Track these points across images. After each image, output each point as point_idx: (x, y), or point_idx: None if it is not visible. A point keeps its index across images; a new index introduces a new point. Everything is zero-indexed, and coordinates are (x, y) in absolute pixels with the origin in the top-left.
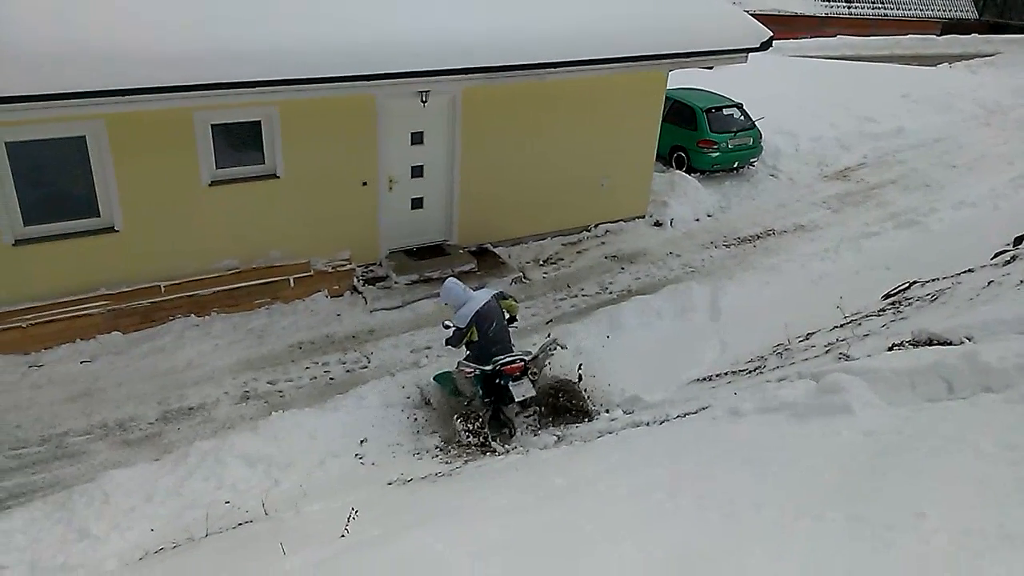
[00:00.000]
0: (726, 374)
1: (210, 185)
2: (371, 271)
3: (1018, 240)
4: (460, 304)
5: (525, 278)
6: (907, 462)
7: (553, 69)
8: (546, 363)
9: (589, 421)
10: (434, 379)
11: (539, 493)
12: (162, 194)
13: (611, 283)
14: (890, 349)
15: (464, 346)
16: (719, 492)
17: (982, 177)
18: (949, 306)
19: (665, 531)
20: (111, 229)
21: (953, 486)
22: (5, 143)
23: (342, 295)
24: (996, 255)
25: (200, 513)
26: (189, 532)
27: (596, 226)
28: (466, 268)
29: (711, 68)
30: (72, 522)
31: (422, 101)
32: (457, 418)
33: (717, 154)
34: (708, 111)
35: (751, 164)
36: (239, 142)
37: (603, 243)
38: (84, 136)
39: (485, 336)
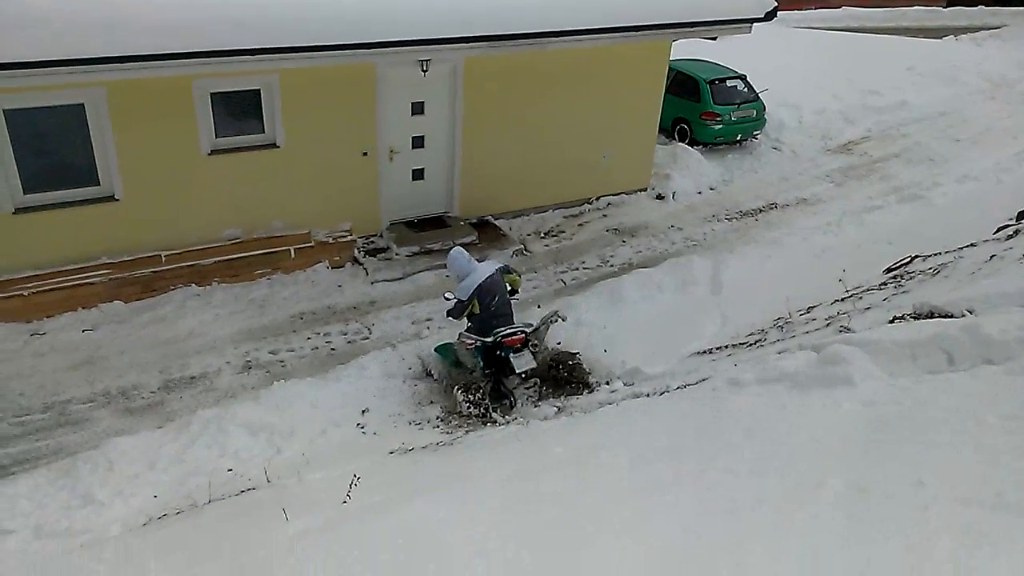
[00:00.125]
0: (727, 347)
1: (210, 154)
2: (372, 242)
3: (1021, 214)
4: (463, 275)
5: (526, 250)
6: (907, 433)
7: (555, 38)
8: (547, 335)
9: (589, 393)
10: (435, 350)
11: (540, 463)
12: (162, 163)
13: (612, 256)
14: (891, 322)
15: (465, 318)
16: (719, 460)
17: (986, 151)
18: (951, 280)
19: (665, 499)
20: (111, 198)
21: (953, 456)
22: (4, 110)
23: (343, 266)
24: (999, 229)
25: (203, 480)
26: (192, 499)
27: (598, 199)
28: (467, 240)
29: (715, 39)
30: (76, 488)
31: (423, 70)
32: (458, 389)
33: (720, 126)
34: (711, 83)
35: (754, 137)
36: (239, 111)
37: (605, 216)
38: (83, 104)
39: (487, 309)
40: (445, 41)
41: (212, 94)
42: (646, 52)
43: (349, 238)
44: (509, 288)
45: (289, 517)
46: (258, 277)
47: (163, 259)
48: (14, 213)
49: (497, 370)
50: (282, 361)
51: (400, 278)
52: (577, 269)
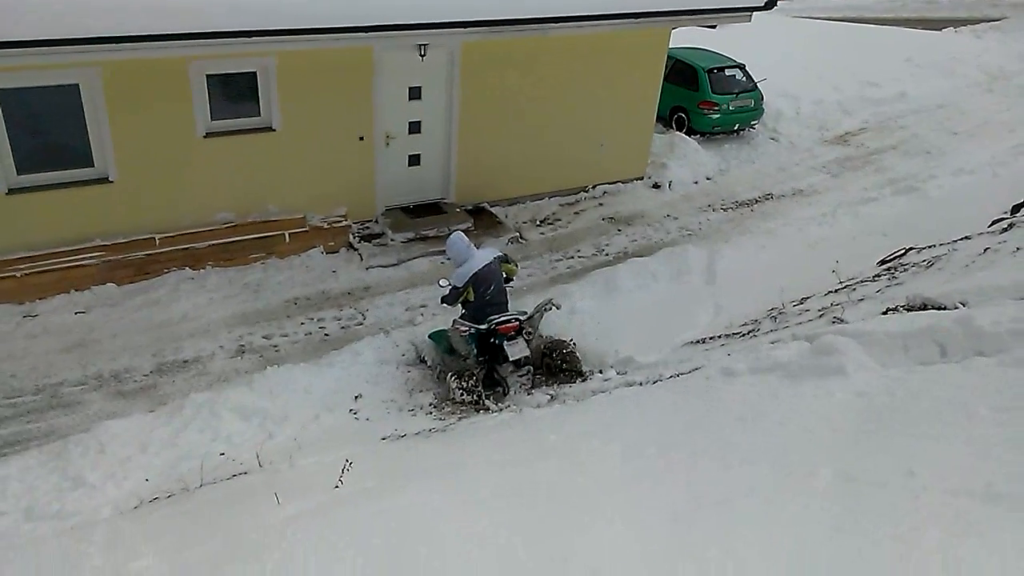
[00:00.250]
0: (720, 337)
1: (205, 137)
2: (367, 228)
3: (1016, 208)
4: (461, 261)
5: (522, 238)
6: (899, 423)
7: (554, 24)
8: (541, 323)
9: (583, 381)
10: (429, 337)
11: (532, 449)
12: (157, 145)
13: (608, 245)
14: (884, 313)
15: (460, 304)
16: (711, 449)
17: (983, 144)
18: (945, 272)
19: (657, 485)
20: (105, 179)
21: (944, 447)
22: None
23: (338, 251)
24: (993, 222)
25: (195, 464)
26: (184, 482)
27: (594, 187)
28: (463, 227)
29: (714, 27)
30: (67, 471)
31: (420, 55)
32: (451, 376)
33: (718, 116)
34: (710, 71)
35: (752, 126)
36: (235, 94)
37: (601, 204)
38: (78, 84)
39: (482, 298)
40: (443, 25)
41: (208, 76)
42: (645, 40)
43: (344, 223)
44: (505, 277)
45: (281, 501)
46: (252, 261)
47: (157, 242)
48: (7, 194)
49: (491, 357)
50: (275, 346)
51: (395, 264)
52: (572, 257)
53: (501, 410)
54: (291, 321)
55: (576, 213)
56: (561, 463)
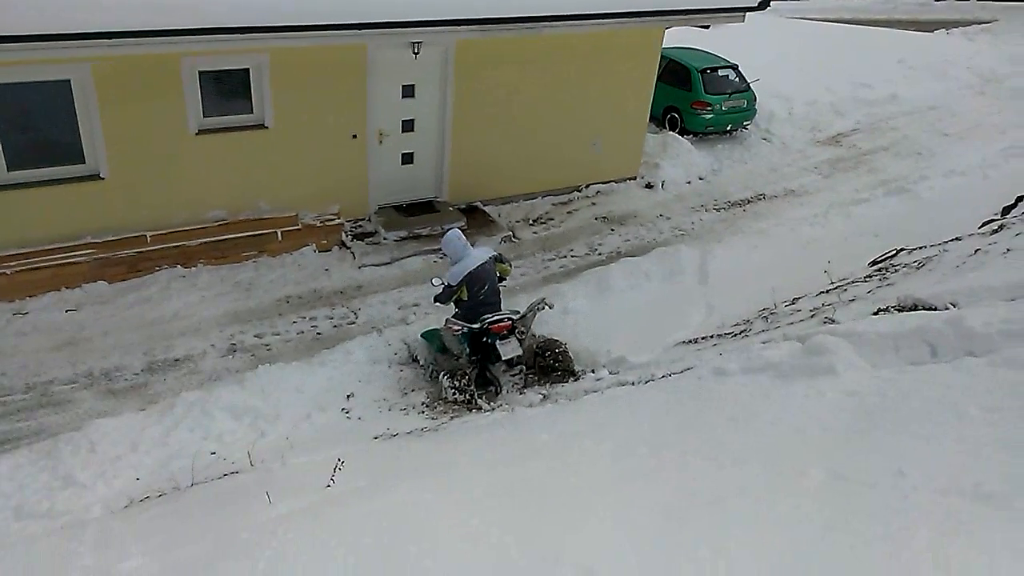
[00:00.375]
0: (712, 337)
1: (197, 134)
2: (360, 226)
3: (1006, 209)
4: (456, 259)
5: (515, 237)
6: (889, 422)
7: (548, 23)
8: (533, 323)
9: (575, 380)
10: (421, 336)
11: (525, 448)
12: (148, 142)
13: (600, 244)
14: (875, 313)
15: (453, 303)
16: (703, 448)
17: (974, 146)
18: (935, 273)
19: (649, 485)
20: (96, 176)
21: (934, 446)
22: None
23: (330, 250)
24: (984, 224)
25: (186, 463)
26: (175, 481)
27: (587, 186)
28: (456, 226)
29: (707, 27)
30: (57, 469)
31: (414, 53)
32: (444, 375)
33: (711, 116)
34: (703, 71)
35: (744, 127)
36: (227, 91)
37: (594, 204)
38: (69, 80)
39: (475, 297)
40: (437, 23)
41: (201, 73)
42: (638, 40)
43: (337, 221)
44: (498, 276)
45: (273, 500)
46: (244, 259)
47: (148, 239)
48: None
49: (483, 357)
50: (267, 345)
51: (388, 263)
52: (565, 257)
53: (493, 409)
54: (283, 320)
55: (569, 212)
56: (553, 462)
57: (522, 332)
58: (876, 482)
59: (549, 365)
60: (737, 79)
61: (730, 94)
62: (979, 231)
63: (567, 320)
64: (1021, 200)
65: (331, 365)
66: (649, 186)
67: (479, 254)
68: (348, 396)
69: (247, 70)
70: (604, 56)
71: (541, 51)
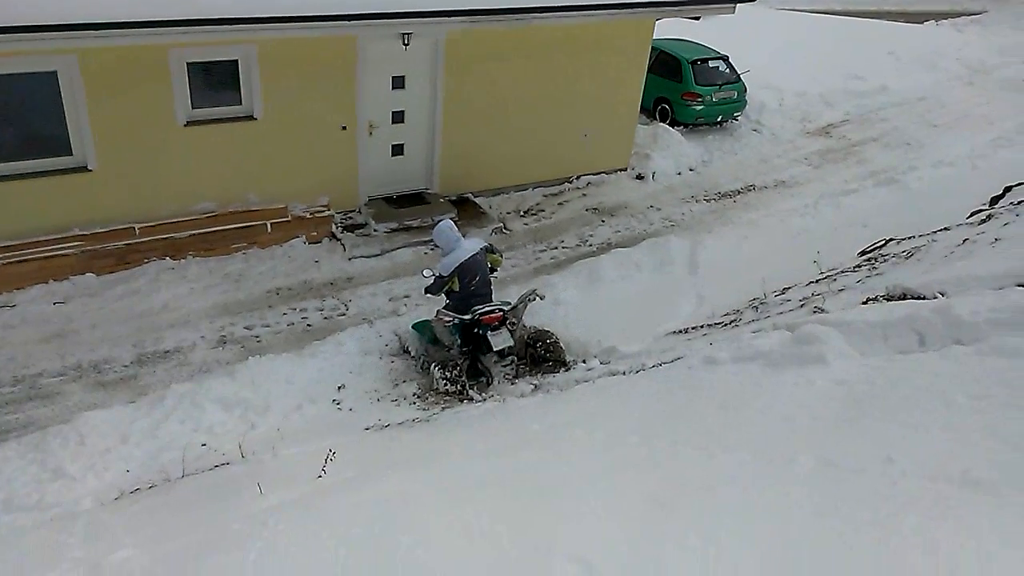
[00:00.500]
0: (702, 327)
1: (186, 125)
2: (350, 218)
3: (994, 199)
4: (447, 250)
5: (506, 229)
6: (878, 410)
7: (538, 14)
8: (524, 313)
9: (566, 371)
10: (412, 327)
11: (516, 438)
12: (136, 133)
13: (591, 235)
14: (865, 303)
15: (444, 295)
16: (693, 437)
17: (963, 137)
18: (924, 263)
19: (640, 473)
20: (84, 168)
21: (922, 434)
22: None
23: (320, 241)
24: (972, 214)
25: (176, 455)
26: (165, 473)
27: (578, 178)
28: (447, 217)
29: (698, 18)
30: (47, 462)
31: (404, 44)
32: (435, 366)
33: (701, 107)
34: (694, 63)
35: (735, 118)
36: (216, 82)
37: (584, 195)
38: (55, 72)
39: (466, 288)
40: (426, 15)
41: (189, 64)
42: (629, 31)
43: (327, 213)
44: (489, 267)
45: (264, 491)
46: (234, 251)
47: (137, 231)
48: None
49: (474, 348)
50: (257, 336)
51: (378, 254)
52: (556, 248)
53: (485, 400)
54: (273, 311)
55: (560, 204)
56: (545, 452)
57: (513, 323)
58: (865, 469)
59: (540, 355)
60: (727, 70)
61: (720, 85)
62: (967, 221)
63: (558, 311)
64: (1009, 190)
65: (322, 357)
66: (640, 177)
67: (470, 245)
68: (339, 387)
69: (235, 61)
70: (595, 47)
71: (531, 43)
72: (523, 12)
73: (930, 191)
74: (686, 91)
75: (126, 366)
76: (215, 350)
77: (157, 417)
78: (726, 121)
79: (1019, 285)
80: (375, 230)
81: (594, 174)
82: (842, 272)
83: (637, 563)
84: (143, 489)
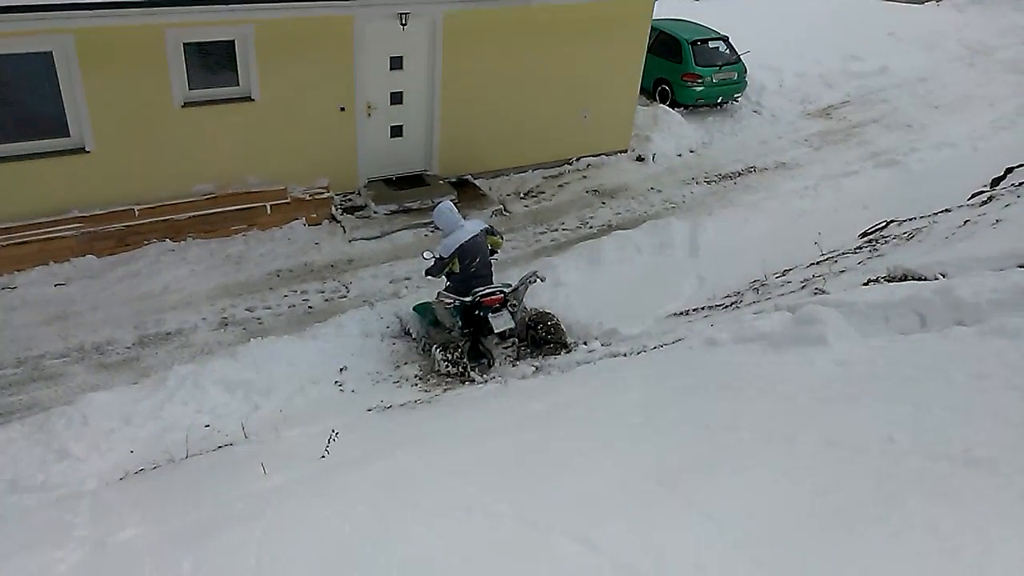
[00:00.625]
0: (703, 308)
1: (183, 106)
2: (349, 200)
3: (995, 181)
4: (448, 232)
5: (506, 211)
6: (879, 390)
7: None
8: (525, 295)
9: (567, 352)
10: (413, 309)
11: (517, 418)
12: (134, 115)
13: (592, 217)
14: (866, 284)
15: (444, 277)
16: (694, 415)
17: (963, 118)
18: (925, 244)
19: (641, 451)
20: (82, 149)
21: (923, 413)
22: None
23: (320, 223)
24: (973, 195)
25: (180, 436)
26: (169, 454)
27: (578, 159)
28: (448, 199)
29: None
30: (51, 443)
31: (401, 24)
32: (436, 348)
33: (701, 88)
34: (694, 43)
35: (735, 99)
36: (213, 63)
37: (585, 177)
38: (51, 52)
39: (467, 270)
40: None
41: (185, 44)
42: (629, 11)
43: (326, 195)
44: (490, 249)
45: (267, 471)
46: (234, 233)
47: (136, 213)
48: None
49: (475, 329)
50: (259, 318)
51: (378, 236)
52: (556, 230)
53: (486, 381)
54: (274, 293)
55: (560, 186)
56: (546, 432)
57: (514, 305)
58: (866, 448)
59: (541, 337)
60: (728, 51)
61: (720, 66)
62: (968, 202)
63: (559, 293)
64: (1010, 171)
65: (323, 339)
66: (640, 159)
67: (471, 226)
68: (341, 369)
69: (232, 42)
70: (594, 28)
71: (531, 23)
72: None
73: (931, 172)
74: (686, 72)
75: (128, 348)
76: (217, 332)
77: (160, 398)
78: (726, 102)
79: (1020, 266)
80: (375, 212)
81: (594, 156)
82: (843, 253)
83: (638, 541)
84: (147, 469)
